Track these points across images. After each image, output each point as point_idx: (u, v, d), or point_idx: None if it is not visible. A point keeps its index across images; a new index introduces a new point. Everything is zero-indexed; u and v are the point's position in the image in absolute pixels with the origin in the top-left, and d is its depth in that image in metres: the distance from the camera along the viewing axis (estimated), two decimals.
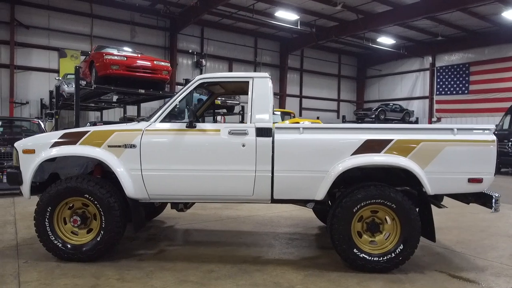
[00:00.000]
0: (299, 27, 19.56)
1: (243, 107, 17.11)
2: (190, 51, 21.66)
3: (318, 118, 15.87)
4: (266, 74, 3.75)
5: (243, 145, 3.47)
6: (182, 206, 4.00)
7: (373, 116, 22.20)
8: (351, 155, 3.43)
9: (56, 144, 3.57)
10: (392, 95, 26.97)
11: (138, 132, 3.55)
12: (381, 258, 3.40)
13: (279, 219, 5.43)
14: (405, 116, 23.38)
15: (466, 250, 4.13)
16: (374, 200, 3.39)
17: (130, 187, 3.51)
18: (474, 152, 3.43)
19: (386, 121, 21.91)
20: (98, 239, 3.49)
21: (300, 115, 26.41)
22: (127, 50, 10.78)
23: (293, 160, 3.48)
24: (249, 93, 3.62)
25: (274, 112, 14.00)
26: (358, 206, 3.40)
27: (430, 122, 24.43)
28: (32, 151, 3.57)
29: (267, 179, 3.49)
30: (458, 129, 3.46)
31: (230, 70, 23.11)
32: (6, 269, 3.32)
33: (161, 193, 3.59)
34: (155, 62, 9.19)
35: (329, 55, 27.35)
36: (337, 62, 28.20)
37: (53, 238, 3.50)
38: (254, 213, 5.76)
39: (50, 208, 3.49)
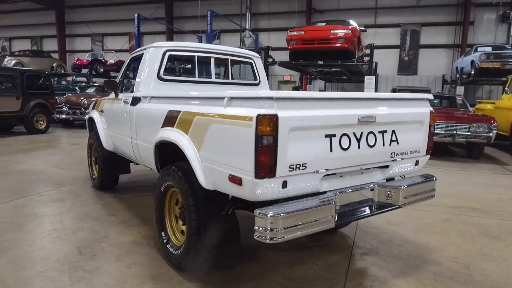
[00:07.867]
0: None
1: None
2: (494, 2, 17.18)
3: None
4: (161, 44, 3.76)
5: (126, 113, 3.85)
6: None
7: None
8: (161, 128, 3.03)
9: (92, 108, 5.35)
10: None
11: (105, 101, 4.69)
12: (174, 252, 2.90)
13: None
14: None
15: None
16: (170, 183, 2.89)
17: (104, 141, 4.75)
18: (233, 135, 2.13)
19: None
20: (98, 176, 5.05)
21: None
22: (347, 23, 10.74)
23: (140, 129, 3.51)
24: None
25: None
26: (164, 186, 3.01)
27: None
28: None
29: (136, 147, 3.71)
30: (233, 97, 2.23)
31: None
32: (65, 183, 5.50)
33: (115, 149, 4.59)
34: (330, 31, 8.99)
35: None
36: None
37: (91, 170, 5.38)
38: None
39: (89, 150, 5.37)
